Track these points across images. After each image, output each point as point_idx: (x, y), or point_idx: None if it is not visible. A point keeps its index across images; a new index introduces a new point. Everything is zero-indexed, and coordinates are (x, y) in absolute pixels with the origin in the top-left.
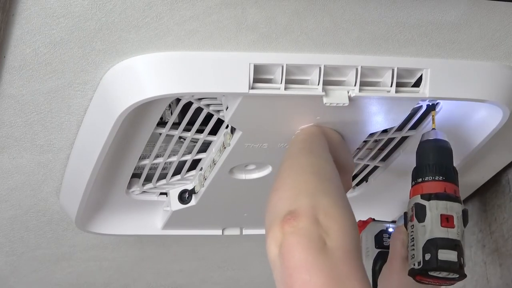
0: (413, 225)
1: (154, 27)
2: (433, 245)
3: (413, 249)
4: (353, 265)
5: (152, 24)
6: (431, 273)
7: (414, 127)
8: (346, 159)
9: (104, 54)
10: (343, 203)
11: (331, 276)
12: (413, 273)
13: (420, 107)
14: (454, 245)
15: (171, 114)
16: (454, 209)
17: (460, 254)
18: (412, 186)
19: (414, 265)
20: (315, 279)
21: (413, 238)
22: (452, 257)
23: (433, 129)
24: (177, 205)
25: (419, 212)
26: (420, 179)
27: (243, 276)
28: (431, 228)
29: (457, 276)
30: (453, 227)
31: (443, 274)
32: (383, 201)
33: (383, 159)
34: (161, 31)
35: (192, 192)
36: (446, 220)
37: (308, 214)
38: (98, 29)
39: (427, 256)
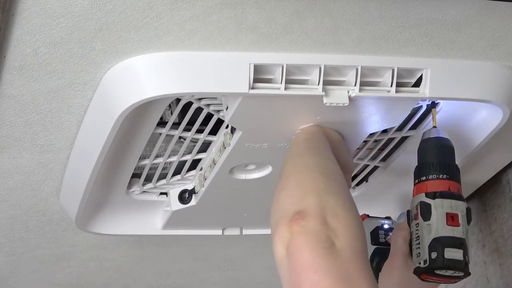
0: (418, 224)
1: (154, 27)
2: (439, 243)
3: (419, 248)
4: (361, 266)
5: (152, 24)
6: (437, 272)
7: (414, 127)
8: (346, 159)
9: (104, 54)
10: (350, 204)
11: (339, 276)
12: (418, 271)
13: (420, 107)
14: (459, 243)
15: (171, 114)
16: (458, 207)
17: (465, 253)
18: (415, 185)
19: (420, 263)
20: (323, 280)
21: (418, 236)
22: (458, 256)
23: (434, 127)
24: (177, 205)
25: (425, 211)
26: (424, 177)
27: (243, 276)
28: (436, 226)
29: (462, 274)
30: (458, 226)
31: (449, 273)
32: (383, 201)
33: (383, 159)
34: (161, 31)
35: (192, 192)
36: (452, 219)
37: (316, 214)
38: (98, 29)
39: (434, 255)
